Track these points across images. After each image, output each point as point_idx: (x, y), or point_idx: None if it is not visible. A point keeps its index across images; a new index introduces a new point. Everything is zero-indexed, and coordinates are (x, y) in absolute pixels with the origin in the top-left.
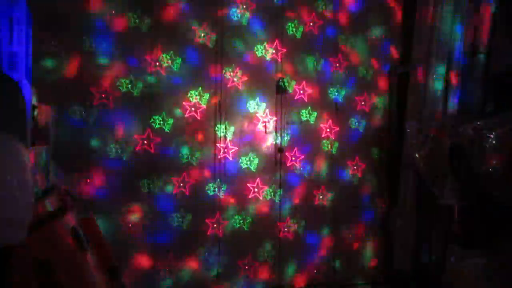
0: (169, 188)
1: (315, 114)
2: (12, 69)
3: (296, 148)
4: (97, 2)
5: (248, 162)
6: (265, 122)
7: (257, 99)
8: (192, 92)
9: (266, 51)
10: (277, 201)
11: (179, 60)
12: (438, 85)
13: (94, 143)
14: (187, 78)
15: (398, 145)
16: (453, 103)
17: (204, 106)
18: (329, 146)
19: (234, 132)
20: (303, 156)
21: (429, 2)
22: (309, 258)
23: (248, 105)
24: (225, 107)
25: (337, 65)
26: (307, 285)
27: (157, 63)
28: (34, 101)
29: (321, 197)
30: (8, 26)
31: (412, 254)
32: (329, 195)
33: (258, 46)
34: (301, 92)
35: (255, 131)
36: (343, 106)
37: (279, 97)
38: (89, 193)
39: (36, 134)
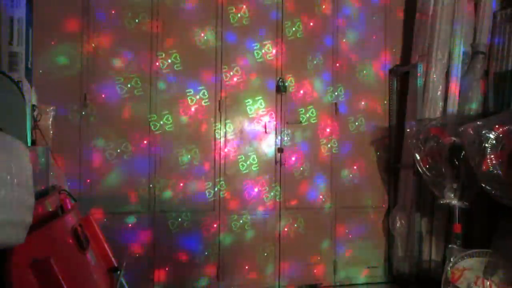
0: (169, 188)
1: (315, 114)
2: (12, 69)
3: (296, 148)
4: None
5: (248, 162)
6: (265, 122)
7: (257, 99)
8: (192, 90)
9: (266, 51)
10: (277, 201)
11: (179, 59)
12: (438, 85)
13: (94, 142)
14: (188, 77)
15: (398, 145)
16: (453, 103)
17: (204, 105)
18: (329, 146)
19: (234, 132)
20: (302, 156)
21: (429, 2)
22: (309, 258)
23: (248, 105)
24: (225, 107)
25: (337, 64)
26: (307, 285)
27: (157, 63)
28: (34, 101)
29: (321, 197)
30: (9, 26)
31: (412, 254)
32: (329, 195)
33: (258, 45)
34: (301, 92)
35: (255, 131)
36: (343, 105)
37: (279, 97)
38: (89, 193)
39: (36, 134)
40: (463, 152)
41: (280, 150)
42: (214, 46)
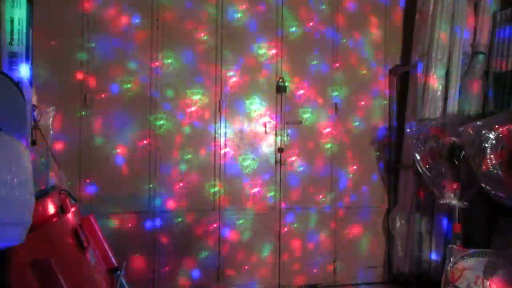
0: (169, 187)
1: (315, 113)
2: (12, 69)
3: (296, 148)
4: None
5: (248, 162)
6: (265, 122)
7: (257, 99)
8: (192, 91)
9: (265, 51)
10: (277, 201)
11: (179, 60)
12: (438, 85)
13: (94, 141)
14: (187, 78)
15: (398, 145)
16: (453, 103)
17: (204, 106)
18: (329, 146)
19: (233, 132)
20: (302, 156)
21: (429, 2)
22: (309, 258)
23: (248, 105)
24: (225, 107)
25: (337, 64)
26: (307, 285)
27: (157, 62)
28: (34, 101)
29: (321, 196)
30: (9, 26)
31: (412, 254)
32: (329, 195)
33: (258, 46)
34: (301, 92)
35: (255, 131)
36: (343, 106)
37: (279, 97)
38: (89, 193)
39: (36, 134)
40: (463, 152)
41: (280, 150)
42: (214, 45)
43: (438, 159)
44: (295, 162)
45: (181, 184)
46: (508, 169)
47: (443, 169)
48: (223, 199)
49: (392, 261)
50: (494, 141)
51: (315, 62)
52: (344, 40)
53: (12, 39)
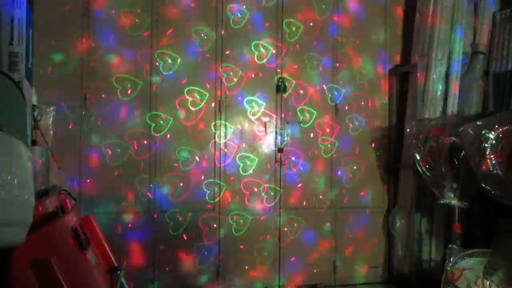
0: (169, 187)
1: (315, 113)
2: (12, 69)
3: (296, 148)
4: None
5: (248, 162)
6: (265, 122)
7: (257, 99)
8: (192, 90)
9: (266, 51)
10: (276, 201)
11: (179, 59)
12: (438, 85)
13: (94, 141)
14: (187, 77)
15: (398, 145)
16: (453, 103)
17: (204, 105)
18: (329, 145)
19: (233, 132)
20: (302, 156)
21: (429, 2)
22: (309, 258)
23: (248, 105)
24: (225, 107)
25: (337, 65)
26: (307, 285)
27: (157, 62)
28: (34, 101)
29: (321, 196)
30: (9, 26)
31: (412, 254)
32: (329, 195)
33: (258, 45)
34: (301, 92)
35: (255, 131)
36: (343, 105)
37: (279, 97)
38: (89, 193)
39: (36, 134)
40: (463, 152)
41: (280, 150)
42: (214, 45)
43: (438, 159)
44: (295, 162)
45: (181, 184)
46: (508, 169)
47: (443, 169)
48: (223, 199)
49: (392, 261)
50: (494, 141)
51: (315, 62)
52: (344, 40)
53: (12, 39)
